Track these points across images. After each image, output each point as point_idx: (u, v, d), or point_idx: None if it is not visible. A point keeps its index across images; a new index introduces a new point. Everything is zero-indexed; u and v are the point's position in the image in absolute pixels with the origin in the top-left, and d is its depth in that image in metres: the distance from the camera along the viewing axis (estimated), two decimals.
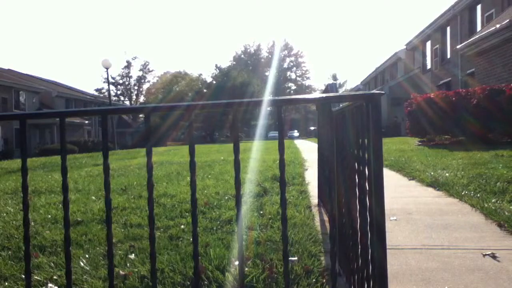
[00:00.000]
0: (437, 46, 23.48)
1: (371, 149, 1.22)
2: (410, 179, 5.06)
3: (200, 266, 2.08)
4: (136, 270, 2.16)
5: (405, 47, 29.23)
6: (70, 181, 5.97)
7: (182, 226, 3.02)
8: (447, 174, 4.85)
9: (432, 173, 5.08)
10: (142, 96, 61.32)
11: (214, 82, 50.62)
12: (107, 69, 24.58)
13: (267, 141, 24.62)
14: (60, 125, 1.38)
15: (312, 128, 55.55)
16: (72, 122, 34.80)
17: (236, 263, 2.11)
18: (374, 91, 1.29)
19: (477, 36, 13.53)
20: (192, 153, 1.35)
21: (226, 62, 57.55)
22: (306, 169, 6.75)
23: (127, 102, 59.99)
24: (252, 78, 46.59)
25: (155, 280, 1.33)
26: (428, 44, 25.15)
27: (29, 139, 31.58)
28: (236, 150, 1.32)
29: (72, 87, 44.57)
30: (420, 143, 11.25)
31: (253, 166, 7.51)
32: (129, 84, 60.86)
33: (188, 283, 1.98)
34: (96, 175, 6.91)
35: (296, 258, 2.19)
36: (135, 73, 69.57)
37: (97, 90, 56.19)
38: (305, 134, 55.93)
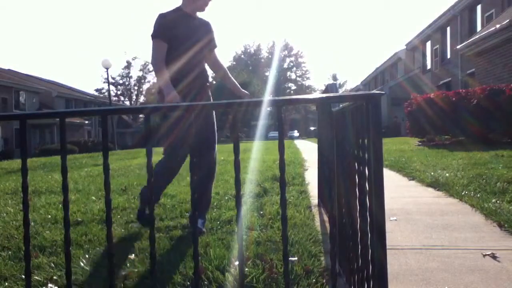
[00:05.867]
0: (437, 46, 23.48)
1: (371, 149, 1.22)
2: (410, 179, 5.06)
3: (200, 266, 2.08)
4: (136, 270, 2.16)
5: (405, 47, 29.23)
6: (70, 181, 5.97)
7: (182, 226, 3.02)
8: (447, 174, 4.85)
9: (432, 173, 5.08)
10: (142, 96, 61.33)
11: (214, 82, 50.53)
12: (107, 69, 24.59)
13: (267, 141, 24.63)
14: (60, 125, 1.38)
15: (312, 128, 55.53)
16: (72, 122, 34.80)
17: (236, 263, 2.11)
18: (374, 91, 1.29)
19: (477, 36, 13.53)
20: (192, 153, 1.35)
21: (226, 62, 57.65)
22: (306, 169, 6.75)
23: (127, 102, 59.99)
24: (252, 78, 46.58)
25: (155, 280, 1.33)
26: (428, 44, 25.15)
27: (29, 139, 31.56)
28: (236, 150, 1.32)
29: (72, 87, 44.58)
30: (420, 143, 11.25)
31: (253, 166, 7.51)
32: (129, 84, 60.88)
33: (188, 283, 1.98)
34: (96, 175, 6.90)
35: (296, 258, 2.19)
36: (135, 73, 69.67)
37: (97, 90, 56.22)
38: (305, 134, 55.93)
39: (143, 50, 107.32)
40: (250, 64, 60.94)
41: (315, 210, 3.48)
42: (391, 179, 5.11)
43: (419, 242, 2.50)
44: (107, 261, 1.34)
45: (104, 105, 35.70)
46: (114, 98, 55.90)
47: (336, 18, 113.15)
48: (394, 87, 27.74)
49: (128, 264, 2.27)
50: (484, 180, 4.25)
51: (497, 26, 11.80)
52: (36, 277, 2.10)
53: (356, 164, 1.48)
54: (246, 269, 2.06)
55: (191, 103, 1.43)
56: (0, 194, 5.10)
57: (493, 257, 2.18)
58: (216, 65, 3.15)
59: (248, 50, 63.70)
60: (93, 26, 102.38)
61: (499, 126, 8.82)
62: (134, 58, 60.83)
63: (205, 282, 1.97)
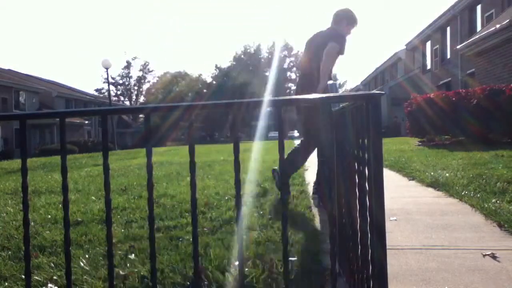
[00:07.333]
0: (437, 46, 23.49)
1: (371, 149, 1.22)
2: (410, 179, 5.06)
3: (200, 266, 2.08)
4: (136, 270, 2.16)
5: (405, 47, 29.23)
6: (70, 181, 5.97)
7: (182, 226, 3.02)
8: (447, 174, 4.85)
9: (432, 173, 5.07)
10: (142, 96, 61.38)
11: (214, 82, 50.61)
12: (107, 69, 24.63)
13: (267, 141, 24.60)
14: (60, 125, 1.38)
15: None
16: (72, 122, 34.79)
17: (236, 263, 2.11)
18: (374, 91, 1.29)
19: (477, 36, 13.54)
20: (192, 153, 1.35)
21: (226, 62, 57.53)
22: (306, 169, 6.74)
23: (127, 102, 60.02)
24: (252, 78, 46.60)
25: (155, 280, 1.33)
26: (428, 44, 25.16)
27: (29, 139, 31.56)
28: (236, 150, 1.32)
29: (72, 87, 44.59)
30: (420, 143, 11.24)
31: (253, 166, 7.51)
32: (129, 84, 60.95)
33: (188, 283, 1.98)
34: (96, 175, 6.90)
35: (296, 258, 2.19)
36: (135, 73, 69.34)
37: (97, 90, 56.27)
38: None
39: (143, 50, 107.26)
40: (250, 64, 60.85)
41: (315, 210, 3.48)
42: (391, 179, 5.11)
43: (419, 242, 2.50)
44: (107, 261, 1.34)
45: (104, 105, 35.70)
46: (114, 98, 55.92)
47: None
48: (394, 87, 27.73)
49: (128, 264, 2.27)
50: (484, 180, 4.24)
51: (497, 26, 11.81)
52: (36, 277, 2.10)
53: (356, 164, 1.48)
54: (246, 269, 2.06)
55: (191, 103, 1.43)
56: (0, 194, 5.10)
57: (493, 257, 2.18)
58: None
59: (248, 50, 63.57)
60: (93, 26, 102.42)
61: (499, 126, 8.81)
62: (134, 58, 60.77)
63: (205, 282, 1.97)
